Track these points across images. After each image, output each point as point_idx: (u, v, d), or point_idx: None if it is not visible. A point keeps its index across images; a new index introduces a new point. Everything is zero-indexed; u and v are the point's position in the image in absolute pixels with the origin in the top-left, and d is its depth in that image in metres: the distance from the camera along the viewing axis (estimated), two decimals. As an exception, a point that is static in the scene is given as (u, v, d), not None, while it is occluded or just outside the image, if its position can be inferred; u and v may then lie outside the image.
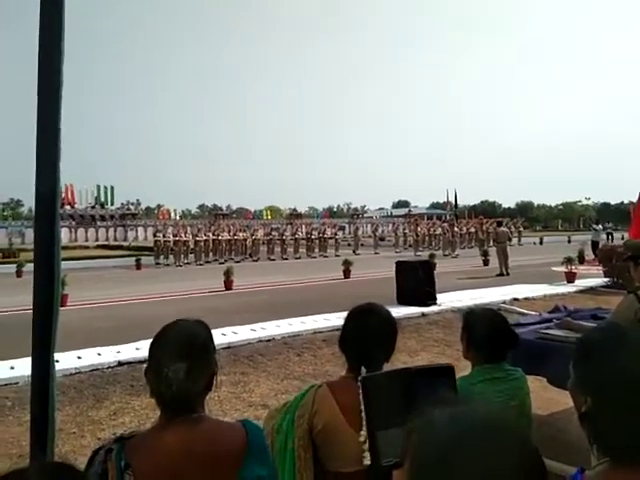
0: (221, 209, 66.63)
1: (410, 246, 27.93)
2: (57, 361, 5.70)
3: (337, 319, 7.57)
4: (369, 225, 47.29)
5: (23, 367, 5.09)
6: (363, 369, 1.42)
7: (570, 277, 12.26)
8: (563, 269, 12.64)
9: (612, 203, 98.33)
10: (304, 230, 26.79)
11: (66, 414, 4.40)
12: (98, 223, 46.19)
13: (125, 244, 36.43)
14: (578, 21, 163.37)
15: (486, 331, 1.89)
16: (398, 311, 8.01)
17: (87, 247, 35.02)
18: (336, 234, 27.64)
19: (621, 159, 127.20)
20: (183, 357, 1.17)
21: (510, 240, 17.66)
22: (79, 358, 5.90)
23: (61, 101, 1.70)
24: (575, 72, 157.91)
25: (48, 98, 1.67)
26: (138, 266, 19.18)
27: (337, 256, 22.67)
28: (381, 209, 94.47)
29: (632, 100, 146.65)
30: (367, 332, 1.55)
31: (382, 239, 33.27)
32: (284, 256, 23.94)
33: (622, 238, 24.23)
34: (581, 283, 11.96)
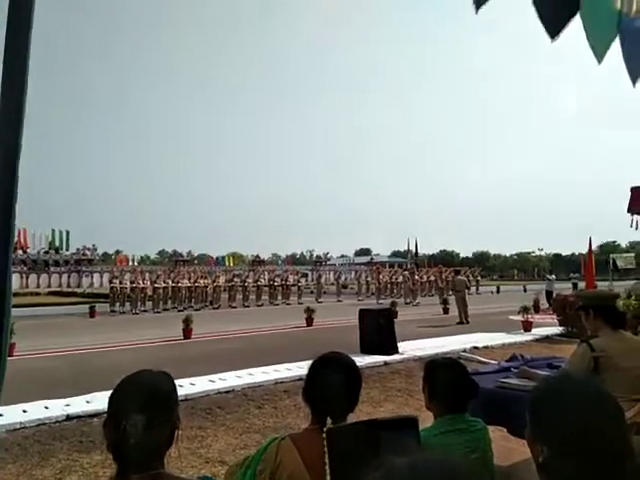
0: (182, 255, 65.47)
1: (372, 294, 28.13)
2: (0, 415, 5.30)
3: (299, 369, 7.45)
4: (332, 272, 47.53)
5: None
6: (329, 420, 1.41)
7: (526, 326, 12.57)
8: (520, 318, 12.96)
9: (563, 254, 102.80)
10: (267, 277, 26.62)
11: (8, 473, 4.08)
12: (51, 269, 44.43)
13: (79, 291, 35.09)
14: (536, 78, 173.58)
15: (447, 382, 1.91)
16: (362, 360, 7.96)
17: (38, 294, 33.57)
18: (299, 281, 27.59)
19: (571, 213, 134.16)
20: (143, 409, 1.14)
21: (468, 289, 18.01)
22: (24, 412, 5.52)
23: (21, 142, 1.69)
24: (527, 128, 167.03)
25: (8, 140, 1.65)
26: (92, 313, 18.44)
27: (300, 303, 22.52)
28: (343, 257, 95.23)
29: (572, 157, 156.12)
30: (332, 382, 1.54)
31: (345, 287, 33.41)
32: (246, 303, 23.58)
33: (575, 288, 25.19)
34: (537, 332, 12.24)
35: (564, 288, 23.09)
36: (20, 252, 42.07)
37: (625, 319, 2.93)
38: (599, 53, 1.83)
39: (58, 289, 38.55)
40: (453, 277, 19.16)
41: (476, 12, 1.66)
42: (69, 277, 44.22)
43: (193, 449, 4.59)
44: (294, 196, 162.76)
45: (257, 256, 58.11)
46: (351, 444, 0.96)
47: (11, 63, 1.67)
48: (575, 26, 1.78)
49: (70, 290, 36.80)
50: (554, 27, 1.75)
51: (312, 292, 29.08)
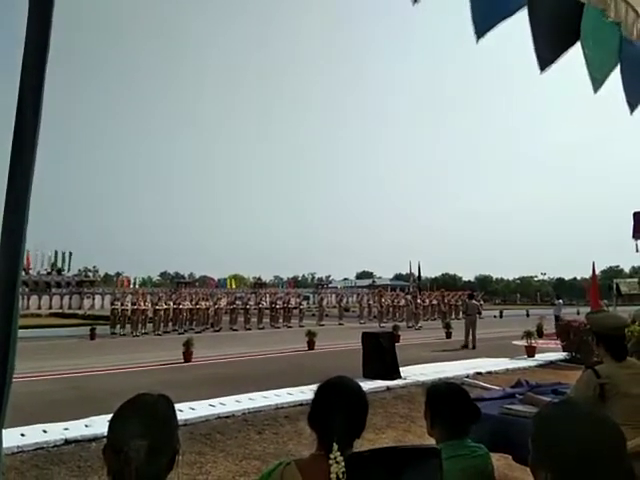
0: (183, 277, 65.56)
1: (374, 317, 27.98)
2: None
3: (300, 393, 7.38)
4: (334, 295, 47.36)
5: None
6: (335, 446, 1.39)
7: (530, 351, 12.45)
8: (523, 343, 12.85)
9: (566, 278, 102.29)
10: (268, 300, 26.53)
11: (3, 500, 4.02)
12: (53, 290, 44.43)
13: (80, 312, 34.99)
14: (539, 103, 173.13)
15: (448, 406, 1.90)
16: (364, 385, 7.82)
17: (39, 315, 33.46)
18: (300, 304, 27.50)
19: (573, 238, 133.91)
20: (145, 434, 1.13)
21: (480, 313, 17.67)
22: (22, 435, 5.45)
23: (34, 165, 1.71)
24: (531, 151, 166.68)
25: (20, 161, 1.67)
26: (92, 336, 18.34)
27: (301, 326, 22.40)
28: (345, 279, 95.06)
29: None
30: (338, 407, 1.52)
31: (347, 309, 33.26)
32: (247, 326, 23.43)
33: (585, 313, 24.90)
34: (541, 357, 12.14)
35: (569, 313, 22.92)
36: (22, 273, 42.13)
37: (627, 349, 2.87)
38: (597, 82, 1.85)
39: (59, 311, 38.45)
40: (466, 300, 18.95)
41: (477, 42, 1.70)
42: (70, 299, 44.16)
43: (192, 475, 4.53)
44: (296, 219, 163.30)
45: (259, 278, 58.05)
46: (372, 471, 0.95)
47: (27, 91, 1.70)
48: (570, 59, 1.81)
49: (71, 312, 36.71)
50: (545, 60, 1.78)
51: (314, 315, 28.92)
